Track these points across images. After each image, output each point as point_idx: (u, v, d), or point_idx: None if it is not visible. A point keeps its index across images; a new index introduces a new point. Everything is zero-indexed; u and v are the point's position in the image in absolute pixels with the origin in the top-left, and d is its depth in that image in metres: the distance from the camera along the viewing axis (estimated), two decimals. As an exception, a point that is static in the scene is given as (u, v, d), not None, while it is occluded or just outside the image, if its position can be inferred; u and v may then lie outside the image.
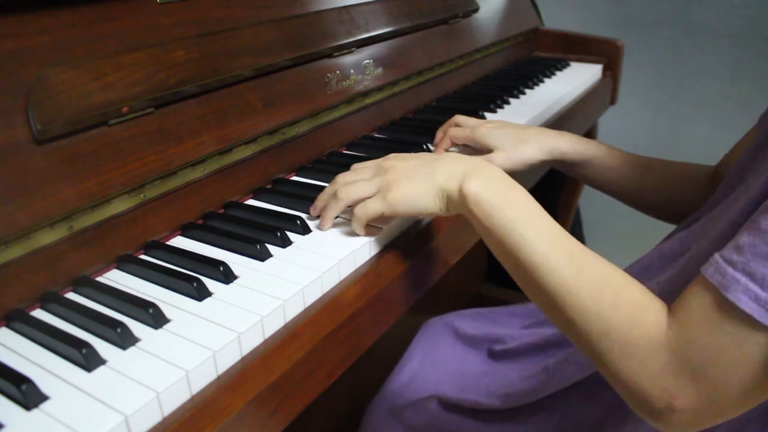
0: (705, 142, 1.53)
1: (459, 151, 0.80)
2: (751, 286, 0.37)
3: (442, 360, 0.83)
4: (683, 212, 0.74)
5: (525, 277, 0.49)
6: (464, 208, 0.53)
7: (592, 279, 0.45)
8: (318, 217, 0.63)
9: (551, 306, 0.47)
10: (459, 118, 0.81)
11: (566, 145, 0.75)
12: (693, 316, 0.40)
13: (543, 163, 0.77)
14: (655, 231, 1.09)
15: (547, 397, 0.66)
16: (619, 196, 0.78)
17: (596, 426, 0.62)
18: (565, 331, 0.48)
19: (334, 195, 0.59)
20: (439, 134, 0.83)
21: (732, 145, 0.71)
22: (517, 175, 0.87)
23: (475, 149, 0.78)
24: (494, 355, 0.80)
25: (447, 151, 0.81)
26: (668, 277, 0.53)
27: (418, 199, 0.55)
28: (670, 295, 0.50)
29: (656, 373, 0.41)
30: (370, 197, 0.57)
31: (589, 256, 0.47)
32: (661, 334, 0.41)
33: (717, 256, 0.40)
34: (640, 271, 0.63)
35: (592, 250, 0.48)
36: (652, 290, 0.53)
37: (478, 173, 0.53)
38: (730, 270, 0.38)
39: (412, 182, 0.55)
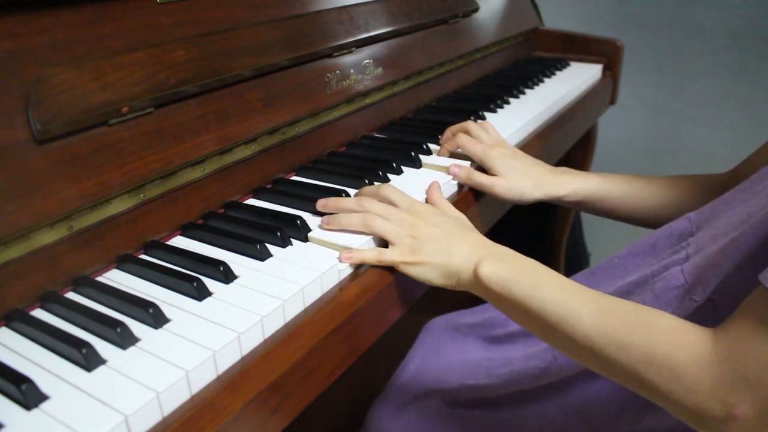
0: (705, 142, 1.53)
1: (459, 156, 0.80)
2: None
3: (444, 355, 0.83)
4: None
5: (556, 334, 0.50)
6: (478, 287, 0.55)
7: (621, 316, 0.47)
8: (320, 214, 0.64)
9: (590, 354, 0.48)
10: (471, 126, 0.80)
11: (564, 189, 0.75)
12: (752, 326, 0.40)
13: (539, 200, 0.77)
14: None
15: (557, 382, 0.66)
16: (624, 219, 0.78)
17: (610, 418, 0.62)
18: (612, 376, 0.49)
19: (360, 215, 0.60)
20: (447, 133, 0.83)
21: (735, 147, 0.69)
22: None
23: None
24: (496, 339, 0.80)
25: (450, 153, 0.81)
26: (699, 262, 0.54)
27: (430, 272, 0.57)
28: (701, 280, 0.51)
29: (710, 388, 0.41)
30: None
31: (611, 298, 0.49)
32: (708, 350, 0.42)
33: None
34: (647, 249, 0.63)
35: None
36: (679, 275, 0.53)
37: (491, 256, 0.56)
38: None
39: (431, 254, 0.57)
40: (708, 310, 0.50)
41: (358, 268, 0.58)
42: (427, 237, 0.58)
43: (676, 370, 0.43)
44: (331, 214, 0.63)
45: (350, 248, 0.58)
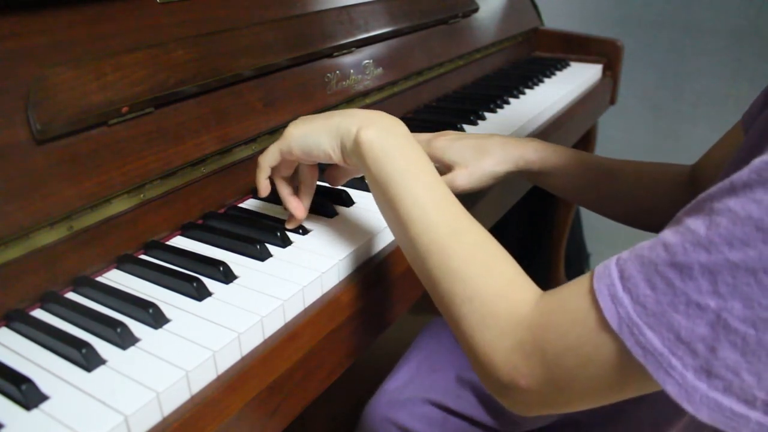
0: (705, 142, 1.53)
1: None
2: (617, 282, 0.34)
3: (441, 365, 0.83)
4: (662, 217, 0.70)
5: (401, 230, 0.48)
6: (357, 154, 0.51)
7: (467, 243, 0.44)
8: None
9: (420, 263, 0.46)
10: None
11: (532, 153, 0.69)
12: (563, 301, 0.38)
13: (509, 174, 0.70)
14: (654, 233, 1.09)
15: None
16: (590, 205, 0.74)
17: None
18: (430, 292, 0.46)
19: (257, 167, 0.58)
20: None
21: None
22: (510, 182, 0.86)
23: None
24: None
25: None
26: None
27: (315, 136, 0.54)
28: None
29: (509, 348, 0.39)
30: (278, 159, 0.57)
31: (470, 222, 0.46)
32: (525, 312, 0.40)
33: (614, 260, 0.37)
34: None
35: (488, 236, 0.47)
36: None
37: (378, 122, 0.51)
38: (612, 262, 0.36)
39: (309, 124, 0.55)
40: None
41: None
42: (304, 119, 0.56)
43: (487, 318, 0.41)
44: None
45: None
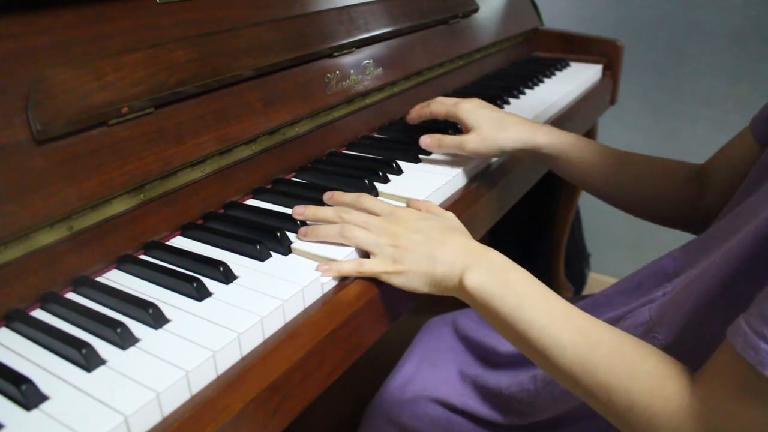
0: (705, 142, 1.53)
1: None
2: None
3: (442, 362, 0.83)
4: (665, 211, 0.73)
5: (543, 360, 0.49)
6: (465, 297, 0.53)
7: (606, 354, 0.45)
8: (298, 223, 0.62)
9: (573, 384, 0.47)
10: (440, 98, 0.82)
11: (542, 137, 0.74)
12: (724, 387, 0.40)
13: (517, 152, 0.76)
14: (654, 233, 1.09)
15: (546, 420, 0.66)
16: (596, 192, 0.77)
17: None
18: (593, 407, 0.48)
19: (338, 225, 0.57)
20: (417, 106, 0.83)
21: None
22: (518, 174, 0.87)
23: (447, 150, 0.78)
24: (492, 365, 0.80)
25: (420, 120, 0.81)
26: (665, 301, 0.53)
27: (414, 281, 0.55)
28: (664, 318, 0.50)
29: None
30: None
31: (600, 330, 0.47)
32: (686, 404, 0.41)
33: (743, 324, 0.38)
34: (633, 288, 0.62)
35: (600, 322, 0.48)
36: (646, 312, 0.52)
37: (478, 264, 0.53)
38: (763, 345, 0.37)
39: (413, 263, 0.54)
40: (677, 351, 0.48)
41: (344, 280, 0.56)
42: (408, 244, 0.55)
43: (653, 419, 0.42)
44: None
45: (331, 260, 0.56)
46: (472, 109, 0.75)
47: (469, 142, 0.74)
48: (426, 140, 0.76)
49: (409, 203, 0.65)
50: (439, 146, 0.76)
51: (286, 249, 0.58)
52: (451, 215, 0.62)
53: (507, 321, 0.50)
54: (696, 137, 1.53)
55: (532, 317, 0.48)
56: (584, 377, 0.46)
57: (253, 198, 0.71)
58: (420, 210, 0.62)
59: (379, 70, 0.90)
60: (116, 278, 0.55)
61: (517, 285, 0.51)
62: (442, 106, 0.79)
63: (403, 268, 0.54)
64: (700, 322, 0.47)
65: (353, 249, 0.58)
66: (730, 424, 0.39)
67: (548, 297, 0.50)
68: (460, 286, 0.52)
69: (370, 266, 0.55)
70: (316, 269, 0.55)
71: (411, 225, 0.57)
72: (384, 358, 0.90)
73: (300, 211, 0.61)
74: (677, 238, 0.65)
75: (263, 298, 0.50)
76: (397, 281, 0.55)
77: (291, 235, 0.60)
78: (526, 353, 0.51)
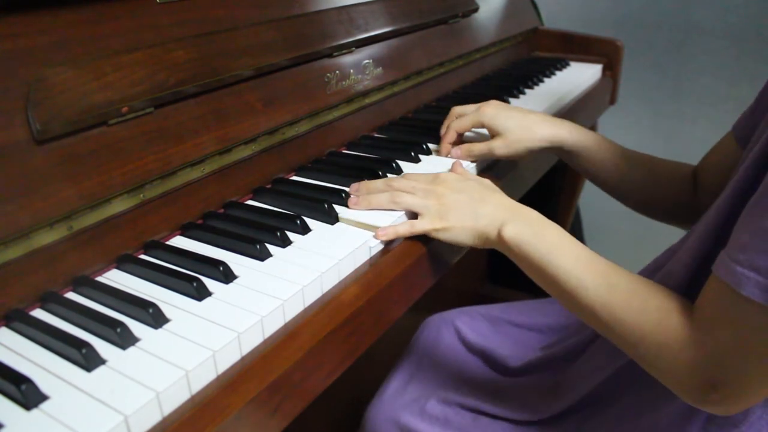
0: (705, 142, 1.53)
1: (464, 141, 0.81)
2: (761, 279, 0.41)
3: (443, 361, 0.83)
4: (664, 209, 0.77)
5: (569, 300, 0.55)
6: (502, 247, 0.59)
7: (623, 293, 0.51)
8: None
9: (594, 321, 0.54)
10: (457, 109, 0.83)
11: (566, 133, 0.77)
12: (714, 315, 0.45)
13: (543, 151, 0.78)
14: (654, 232, 1.09)
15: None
16: (609, 189, 0.80)
17: None
18: (611, 339, 0.54)
19: (388, 193, 0.64)
20: (442, 129, 0.83)
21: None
22: (524, 168, 0.88)
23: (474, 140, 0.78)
24: (499, 370, 0.80)
25: (453, 143, 0.82)
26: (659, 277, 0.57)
27: (460, 235, 0.61)
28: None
29: (689, 365, 0.46)
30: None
31: (617, 273, 0.53)
32: (687, 333, 0.47)
33: (724, 255, 0.44)
34: None
35: (619, 266, 0.54)
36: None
37: (516, 218, 0.59)
38: (738, 269, 0.42)
39: (458, 218, 0.61)
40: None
41: (389, 244, 0.61)
42: (453, 203, 0.61)
43: (661, 347, 0.48)
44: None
45: (379, 227, 0.61)
46: (495, 114, 0.77)
47: (498, 148, 0.76)
48: (456, 152, 0.79)
49: (452, 170, 0.71)
50: (469, 156, 0.78)
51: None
52: (487, 180, 0.66)
53: (539, 266, 0.56)
54: (696, 137, 1.53)
55: (559, 263, 0.55)
56: (603, 313, 0.52)
57: (253, 198, 0.71)
58: (458, 173, 0.68)
59: (379, 70, 0.90)
60: (116, 278, 0.55)
61: (548, 235, 0.57)
62: (465, 120, 0.80)
63: (449, 224, 0.60)
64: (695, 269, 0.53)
65: (400, 214, 0.63)
66: (722, 346, 0.44)
67: (575, 246, 0.56)
68: (499, 237, 0.58)
69: (420, 225, 0.61)
70: (374, 236, 0.60)
71: (454, 186, 0.63)
72: (384, 359, 0.90)
73: (355, 186, 0.68)
74: (677, 238, 0.65)
75: (263, 298, 0.50)
76: (445, 236, 0.61)
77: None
78: (554, 295, 0.57)
